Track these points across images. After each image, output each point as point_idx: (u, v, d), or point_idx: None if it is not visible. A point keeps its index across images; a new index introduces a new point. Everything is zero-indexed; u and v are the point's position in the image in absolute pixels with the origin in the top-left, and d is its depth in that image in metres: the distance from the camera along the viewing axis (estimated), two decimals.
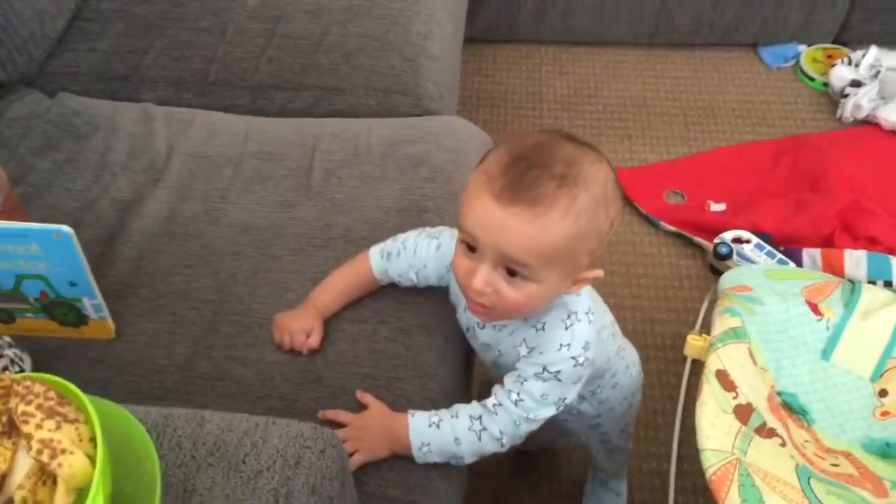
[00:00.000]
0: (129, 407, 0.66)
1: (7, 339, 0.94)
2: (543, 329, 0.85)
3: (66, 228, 0.88)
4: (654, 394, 1.48)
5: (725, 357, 1.03)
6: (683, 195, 1.79)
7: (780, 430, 1.02)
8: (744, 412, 1.00)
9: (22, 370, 0.93)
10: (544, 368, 0.84)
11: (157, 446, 0.62)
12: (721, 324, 1.07)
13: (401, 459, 0.89)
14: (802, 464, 0.98)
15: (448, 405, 0.91)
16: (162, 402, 0.93)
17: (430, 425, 0.87)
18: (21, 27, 1.30)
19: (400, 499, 0.88)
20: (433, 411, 0.89)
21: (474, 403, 0.89)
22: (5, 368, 0.92)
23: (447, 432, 0.87)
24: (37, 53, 1.35)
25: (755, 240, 1.62)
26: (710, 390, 0.99)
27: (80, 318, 0.97)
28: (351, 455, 0.85)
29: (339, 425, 0.89)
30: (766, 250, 1.60)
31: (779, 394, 1.09)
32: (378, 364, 0.96)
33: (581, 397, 0.97)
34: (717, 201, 1.75)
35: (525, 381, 0.85)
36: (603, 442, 1.15)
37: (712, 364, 1.02)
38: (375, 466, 0.88)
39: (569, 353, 0.84)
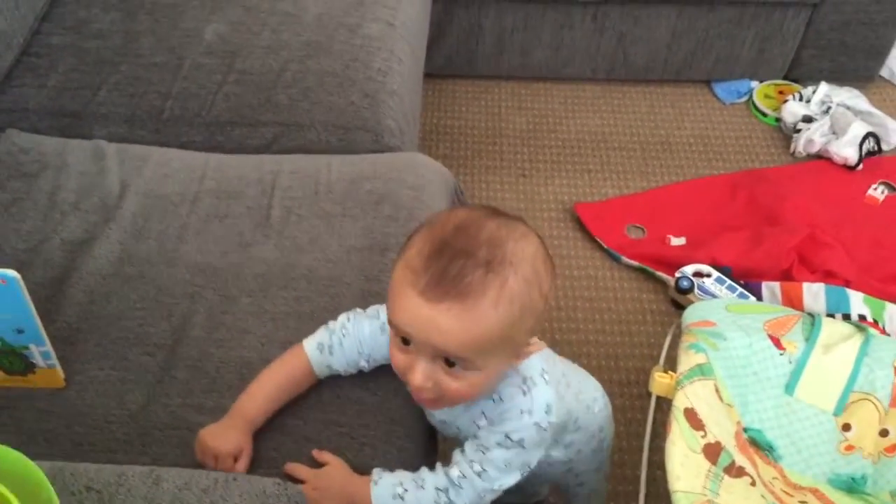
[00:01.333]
0: (79, 465, 0.63)
1: None
2: (501, 399, 0.83)
3: (11, 273, 0.84)
4: (620, 430, 1.47)
5: (692, 395, 1.02)
6: (644, 229, 1.80)
7: (749, 468, 1.01)
8: (712, 451, 0.99)
9: None
10: (506, 436, 0.82)
11: None
12: (687, 360, 1.06)
13: None
14: (772, 503, 0.97)
15: (415, 451, 0.88)
16: (115, 454, 0.89)
17: (393, 497, 0.83)
18: None
19: None
20: (397, 477, 0.85)
21: (439, 472, 0.85)
22: None
23: None
24: None
25: (715, 273, 1.63)
26: (678, 429, 0.98)
27: (28, 367, 0.93)
28: None
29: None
30: (726, 284, 1.62)
31: (745, 430, 1.08)
32: (343, 410, 0.93)
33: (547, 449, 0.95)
34: (676, 235, 1.77)
35: (487, 450, 0.82)
36: (580, 485, 1.12)
37: (680, 403, 1.01)
38: None
39: (531, 420, 0.82)
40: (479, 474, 0.83)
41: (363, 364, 0.92)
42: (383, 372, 0.96)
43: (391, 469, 0.87)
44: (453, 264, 0.71)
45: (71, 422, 0.92)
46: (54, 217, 1.13)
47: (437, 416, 0.89)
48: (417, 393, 0.78)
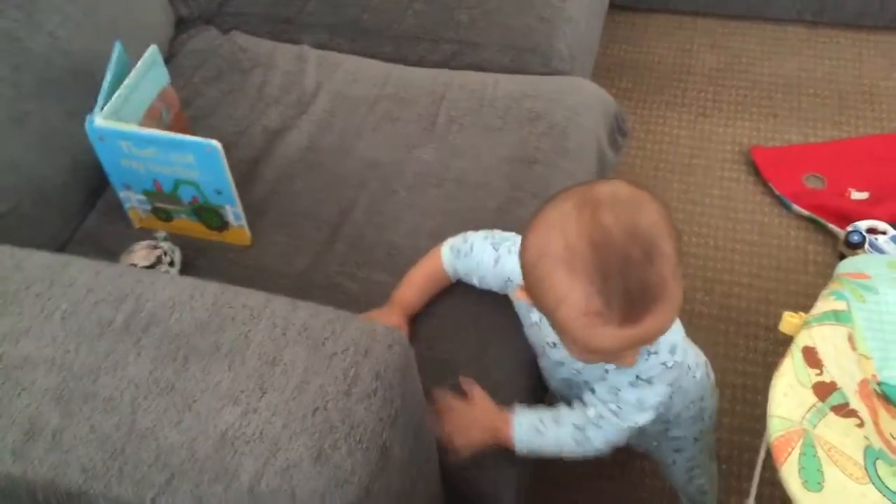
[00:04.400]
0: (241, 289, 0.79)
1: (163, 233, 1.11)
2: None
3: (215, 143, 1.02)
4: (758, 372, 1.48)
5: (818, 336, 1.03)
6: (824, 180, 1.73)
7: (865, 413, 1.01)
8: (824, 389, 1.00)
9: (173, 262, 1.10)
10: (637, 377, 0.87)
11: (255, 325, 0.74)
12: (823, 304, 1.06)
13: None
14: (878, 447, 0.97)
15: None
16: None
17: (535, 432, 0.91)
18: None
19: None
20: (537, 413, 0.92)
21: (578, 409, 0.91)
22: (159, 258, 1.09)
23: (550, 440, 0.91)
24: None
25: (892, 231, 1.56)
26: (790, 363, 1.00)
27: (223, 224, 1.13)
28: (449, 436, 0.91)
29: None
30: None
31: (880, 384, 1.07)
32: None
33: None
34: (859, 189, 1.69)
35: (619, 390, 0.88)
36: (677, 451, 1.13)
37: (801, 340, 1.02)
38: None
39: (658, 360, 0.86)
40: (615, 413, 0.88)
41: (475, 281, 0.99)
42: None
43: None
44: (636, 287, 0.72)
45: (252, 273, 1.11)
46: (259, 107, 1.32)
47: (555, 356, 0.93)
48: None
